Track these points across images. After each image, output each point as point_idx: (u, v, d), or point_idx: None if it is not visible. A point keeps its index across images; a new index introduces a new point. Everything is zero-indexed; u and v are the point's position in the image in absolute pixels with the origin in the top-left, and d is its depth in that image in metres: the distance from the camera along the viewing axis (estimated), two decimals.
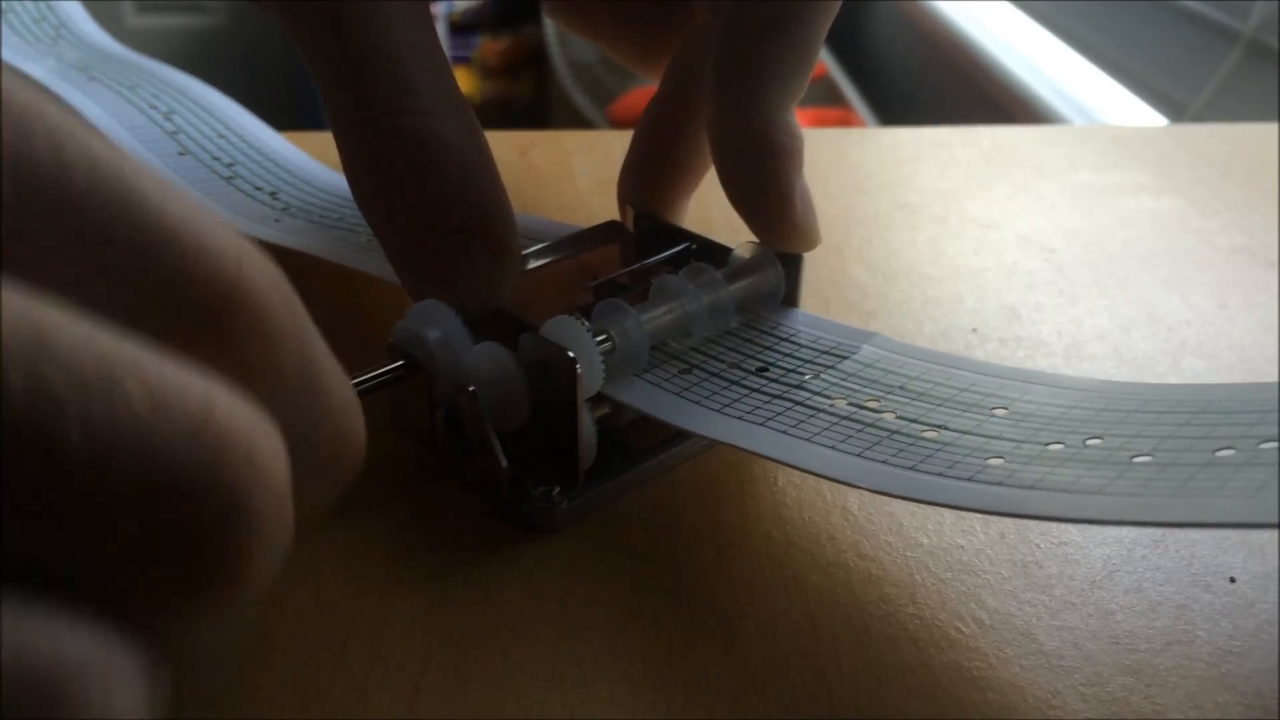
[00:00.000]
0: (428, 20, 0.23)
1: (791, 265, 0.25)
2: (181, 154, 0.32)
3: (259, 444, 0.10)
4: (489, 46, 2.00)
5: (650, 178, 0.28)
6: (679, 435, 0.23)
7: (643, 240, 0.27)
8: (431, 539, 0.22)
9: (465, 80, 1.98)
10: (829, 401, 0.22)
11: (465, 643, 0.19)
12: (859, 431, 0.21)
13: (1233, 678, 0.19)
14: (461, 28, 2.02)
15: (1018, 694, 0.18)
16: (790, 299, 0.25)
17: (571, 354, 0.20)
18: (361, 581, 0.20)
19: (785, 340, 0.24)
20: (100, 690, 0.09)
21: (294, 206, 0.30)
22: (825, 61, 1.60)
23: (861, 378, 0.23)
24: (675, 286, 0.23)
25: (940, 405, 0.21)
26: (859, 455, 0.20)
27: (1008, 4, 1.27)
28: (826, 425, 0.21)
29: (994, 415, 0.21)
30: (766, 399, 0.22)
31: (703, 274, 0.24)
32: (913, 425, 0.21)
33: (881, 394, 0.22)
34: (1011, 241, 0.35)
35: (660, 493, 0.23)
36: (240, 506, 0.10)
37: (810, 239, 0.25)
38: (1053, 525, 0.22)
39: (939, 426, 0.21)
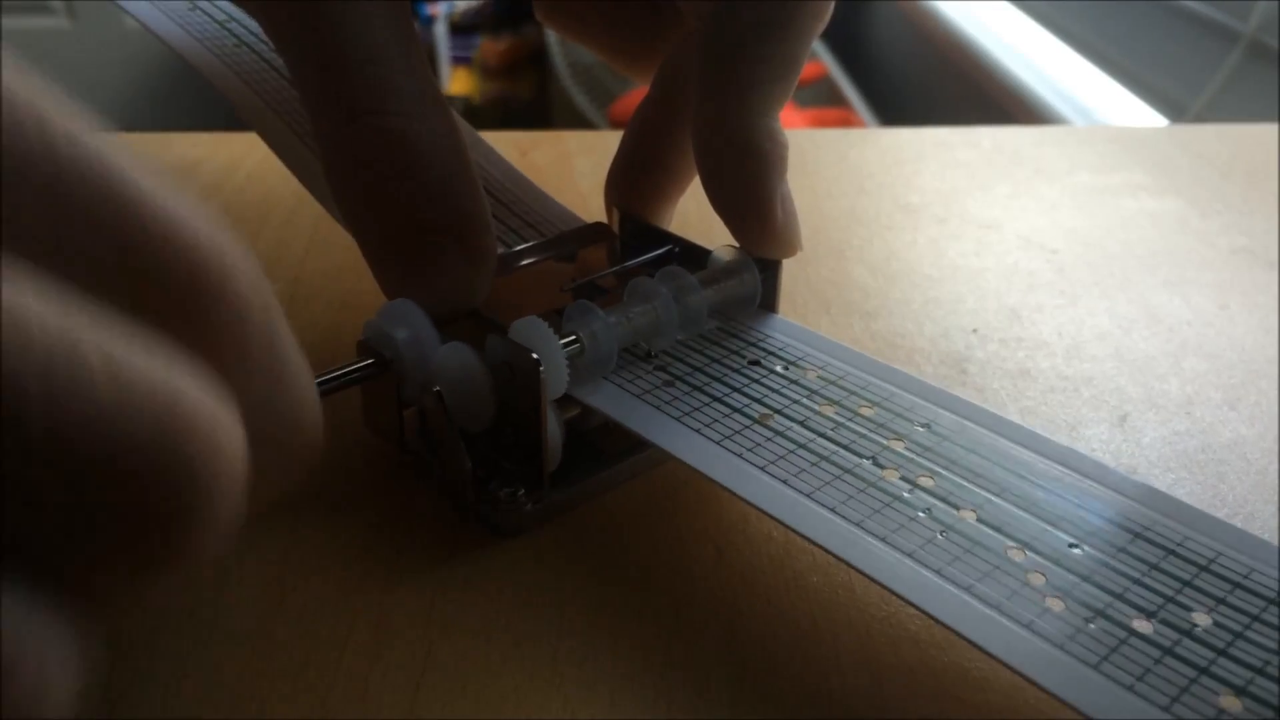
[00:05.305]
0: (407, 20, 0.23)
1: (770, 270, 0.25)
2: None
3: (220, 435, 0.11)
4: (490, 47, 2.00)
5: (636, 181, 0.28)
6: None
7: (627, 242, 0.27)
8: (430, 540, 0.22)
9: (466, 80, 1.98)
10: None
11: (465, 643, 0.19)
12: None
13: None
14: (462, 28, 2.02)
15: (1018, 694, 0.18)
16: (768, 303, 0.25)
17: (535, 355, 0.20)
18: (361, 582, 0.20)
19: (772, 354, 0.23)
20: (35, 678, 0.10)
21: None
22: (825, 61, 1.60)
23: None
24: (647, 289, 0.23)
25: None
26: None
27: (1008, 4, 1.27)
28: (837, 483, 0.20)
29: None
30: (726, 412, 0.21)
31: (677, 277, 0.24)
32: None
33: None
34: (1012, 242, 0.35)
35: (660, 491, 0.23)
36: (195, 496, 0.10)
37: (790, 245, 0.24)
38: None
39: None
